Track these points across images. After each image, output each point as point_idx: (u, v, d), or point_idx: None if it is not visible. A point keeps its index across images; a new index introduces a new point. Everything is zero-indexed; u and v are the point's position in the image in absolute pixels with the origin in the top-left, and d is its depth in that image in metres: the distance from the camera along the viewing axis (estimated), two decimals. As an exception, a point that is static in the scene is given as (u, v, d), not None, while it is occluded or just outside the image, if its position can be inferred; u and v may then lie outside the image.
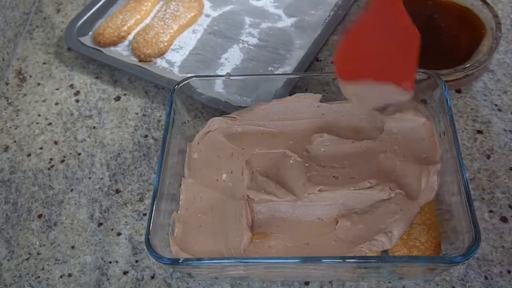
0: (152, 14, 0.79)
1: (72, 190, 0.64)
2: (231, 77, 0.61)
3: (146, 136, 0.68)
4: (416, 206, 0.52)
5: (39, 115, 0.72)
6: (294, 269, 0.51)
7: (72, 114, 0.72)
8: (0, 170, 0.67)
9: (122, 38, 0.76)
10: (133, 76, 0.73)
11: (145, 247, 0.48)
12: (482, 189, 0.59)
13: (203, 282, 0.56)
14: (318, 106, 0.61)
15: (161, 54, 0.74)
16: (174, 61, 0.73)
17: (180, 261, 0.48)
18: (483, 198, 0.59)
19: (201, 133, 0.61)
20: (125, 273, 0.57)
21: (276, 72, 0.71)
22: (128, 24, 0.76)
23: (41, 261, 0.59)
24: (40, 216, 0.62)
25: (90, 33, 0.78)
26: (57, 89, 0.75)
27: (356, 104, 0.57)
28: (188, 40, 0.76)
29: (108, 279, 0.57)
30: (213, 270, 0.53)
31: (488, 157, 0.62)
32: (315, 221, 0.54)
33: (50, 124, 0.71)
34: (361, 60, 0.52)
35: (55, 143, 0.69)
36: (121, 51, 0.75)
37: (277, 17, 0.78)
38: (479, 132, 0.64)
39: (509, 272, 0.54)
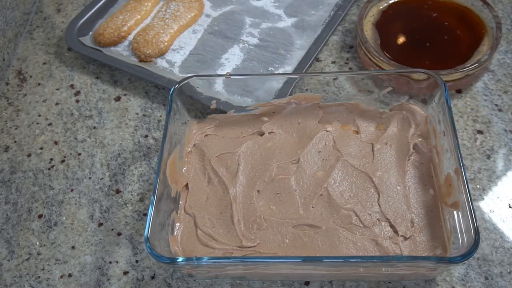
0: (152, 14, 0.79)
1: (72, 190, 0.64)
2: (231, 77, 0.61)
3: (146, 136, 0.68)
4: None
5: (39, 115, 0.72)
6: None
7: (72, 114, 0.72)
8: (0, 170, 0.67)
9: (122, 38, 0.76)
10: (133, 76, 0.73)
11: (145, 247, 0.48)
12: (482, 189, 0.59)
13: (203, 282, 0.56)
14: (319, 106, 0.62)
15: (161, 54, 0.74)
16: (174, 61, 0.73)
17: (179, 261, 0.48)
18: (483, 198, 0.59)
19: (200, 133, 0.62)
20: (125, 273, 0.57)
21: (276, 72, 0.71)
22: (128, 24, 0.76)
23: (41, 261, 0.59)
24: (40, 216, 0.62)
25: (90, 33, 0.78)
26: (57, 89, 0.75)
27: None
28: (188, 40, 0.76)
29: (108, 279, 0.57)
30: (213, 269, 0.53)
31: (488, 157, 0.62)
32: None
33: (50, 124, 0.71)
34: None
35: (55, 143, 0.69)
36: (121, 51, 0.75)
37: (277, 17, 0.78)
38: (479, 132, 0.64)
39: (509, 272, 0.54)
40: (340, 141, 0.60)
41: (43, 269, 0.58)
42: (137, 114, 0.71)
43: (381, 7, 0.73)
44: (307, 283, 0.55)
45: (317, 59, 0.74)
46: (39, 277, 0.58)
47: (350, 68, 0.72)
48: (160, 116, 0.70)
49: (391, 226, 0.53)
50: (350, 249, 0.52)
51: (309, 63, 0.71)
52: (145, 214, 0.61)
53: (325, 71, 0.72)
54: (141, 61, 0.73)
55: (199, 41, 0.76)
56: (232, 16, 0.79)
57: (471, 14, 0.71)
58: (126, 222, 0.61)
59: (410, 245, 0.52)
